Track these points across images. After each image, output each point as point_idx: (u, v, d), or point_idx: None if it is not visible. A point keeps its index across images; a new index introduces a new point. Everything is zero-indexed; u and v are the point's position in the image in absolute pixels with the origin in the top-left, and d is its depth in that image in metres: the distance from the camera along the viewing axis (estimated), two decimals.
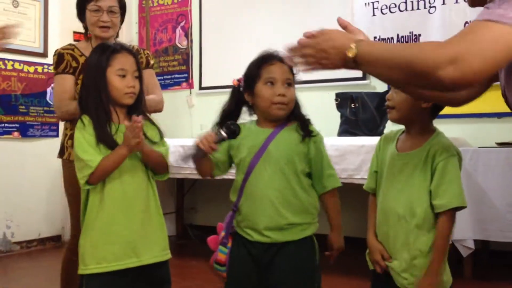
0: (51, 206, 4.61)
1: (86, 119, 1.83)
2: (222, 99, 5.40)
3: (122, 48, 1.90)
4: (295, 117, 1.83)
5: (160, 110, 2.57)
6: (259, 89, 1.79)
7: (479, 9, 1.31)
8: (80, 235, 1.87)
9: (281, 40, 4.54)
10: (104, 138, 1.81)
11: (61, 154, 2.50)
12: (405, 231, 1.65)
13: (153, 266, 1.86)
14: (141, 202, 1.87)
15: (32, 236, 4.52)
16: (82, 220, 1.86)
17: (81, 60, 2.45)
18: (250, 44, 4.65)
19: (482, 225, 3.07)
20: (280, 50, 1.81)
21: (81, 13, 2.52)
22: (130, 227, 1.82)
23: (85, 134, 1.81)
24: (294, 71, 1.82)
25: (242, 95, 1.85)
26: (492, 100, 3.75)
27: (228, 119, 1.82)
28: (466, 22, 3.34)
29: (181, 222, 4.98)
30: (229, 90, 1.94)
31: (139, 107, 1.93)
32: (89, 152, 1.79)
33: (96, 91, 1.84)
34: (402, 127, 1.80)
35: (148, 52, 2.68)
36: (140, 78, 1.92)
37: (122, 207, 1.82)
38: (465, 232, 3.04)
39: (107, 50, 1.88)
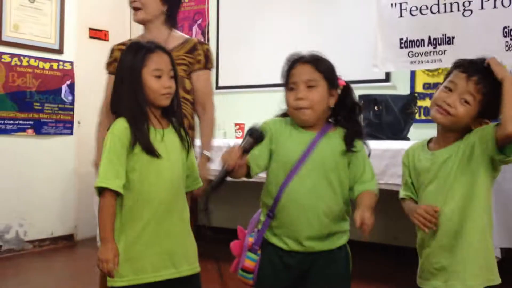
0: (65, 204, 4.56)
1: (120, 122, 1.74)
2: (239, 98, 5.35)
3: (157, 47, 1.82)
4: (342, 123, 1.74)
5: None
6: (285, 96, 1.74)
7: None
8: None
9: (301, 39, 4.50)
10: (141, 139, 1.72)
11: None
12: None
13: (188, 278, 1.80)
14: (179, 212, 1.80)
15: (45, 235, 4.47)
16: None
17: None
18: (269, 43, 4.57)
19: (510, 233, 2.97)
20: (309, 51, 1.75)
21: None
22: (169, 237, 1.75)
23: (116, 140, 1.71)
24: (327, 69, 1.71)
25: None
26: None
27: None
28: (505, 27, 3.27)
29: (194, 223, 4.90)
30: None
31: (173, 109, 1.85)
32: (111, 168, 1.69)
33: (131, 93, 1.75)
34: (421, 134, 1.82)
35: (208, 47, 2.42)
36: (175, 77, 1.84)
37: (162, 216, 1.75)
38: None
39: (141, 50, 1.79)
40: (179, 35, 2.38)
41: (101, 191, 1.69)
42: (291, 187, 1.67)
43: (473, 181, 1.61)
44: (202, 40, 5.00)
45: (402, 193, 1.79)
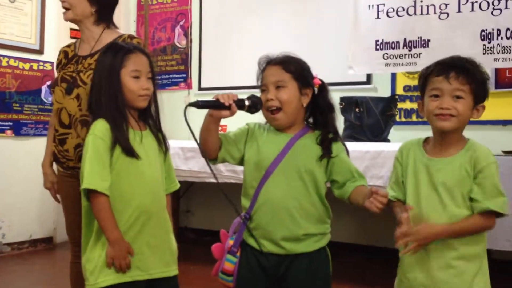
0: (44, 207, 4.50)
1: (100, 123, 1.72)
2: None
3: (136, 48, 1.82)
4: (319, 126, 1.75)
5: None
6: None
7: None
8: (84, 245, 1.77)
9: (283, 41, 4.52)
10: (121, 140, 1.71)
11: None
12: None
13: (166, 279, 1.79)
14: (159, 213, 1.79)
15: (24, 238, 4.41)
16: (86, 231, 1.76)
17: (70, 55, 2.31)
18: (251, 45, 4.58)
19: (489, 234, 3.00)
20: (281, 52, 1.76)
21: None
22: (149, 239, 1.75)
23: (99, 142, 1.69)
24: (297, 69, 1.72)
25: None
26: (497, 107, 3.73)
27: None
28: (483, 31, 3.29)
29: (177, 225, 4.89)
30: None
31: (150, 112, 1.85)
32: (96, 170, 1.68)
33: (110, 94, 1.74)
34: (417, 136, 1.79)
35: (139, 40, 2.37)
36: (153, 79, 1.83)
37: (142, 217, 1.74)
38: None
39: (120, 51, 1.79)
40: (112, 34, 2.34)
41: (89, 192, 1.68)
42: (266, 189, 1.68)
43: (465, 202, 1.62)
44: (180, 38, 4.97)
45: (391, 194, 1.75)
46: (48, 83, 4.54)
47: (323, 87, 1.76)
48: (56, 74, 2.37)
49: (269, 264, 1.69)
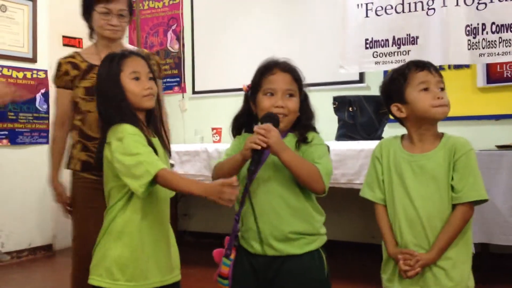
0: (42, 214, 4.51)
1: (128, 125, 1.70)
2: (215, 103, 5.32)
3: (131, 53, 1.83)
4: (300, 126, 1.76)
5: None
6: (259, 99, 1.74)
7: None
8: (100, 244, 1.77)
9: (276, 42, 4.51)
10: (150, 143, 1.71)
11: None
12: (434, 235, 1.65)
13: (170, 285, 1.80)
14: (167, 219, 1.82)
15: (23, 246, 4.42)
16: (105, 229, 1.76)
17: (83, 66, 2.30)
18: (243, 47, 4.61)
19: (484, 228, 3.04)
20: (283, 57, 1.78)
21: (87, 13, 2.33)
22: (160, 245, 1.76)
23: (138, 137, 1.68)
24: (301, 79, 1.75)
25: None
26: (489, 102, 3.76)
27: (240, 124, 1.81)
28: (467, 26, 3.30)
29: (175, 228, 4.89)
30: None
31: (155, 115, 1.85)
32: (149, 154, 1.66)
33: (115, 101, 1.74)
34: (396, 133, 1.82)
35: (158, 58, 2.47)
36: (155, 80, 1.83)
37: (154, 223, 1.75)
38: None
39: (115, 57, 1.80)
40: (129, 47, 2.45)
41: (153, 179, 1.62)
42: (252, 190, 1.69)
43: (448, 194, 1.65)
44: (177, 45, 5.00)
45: (369, 194, 1.78)
46: (43, 91, 4.55)
47: (306, 95, 1.80)
48: (51, 84, 2.38)
49: (260, 266, 1.70)
